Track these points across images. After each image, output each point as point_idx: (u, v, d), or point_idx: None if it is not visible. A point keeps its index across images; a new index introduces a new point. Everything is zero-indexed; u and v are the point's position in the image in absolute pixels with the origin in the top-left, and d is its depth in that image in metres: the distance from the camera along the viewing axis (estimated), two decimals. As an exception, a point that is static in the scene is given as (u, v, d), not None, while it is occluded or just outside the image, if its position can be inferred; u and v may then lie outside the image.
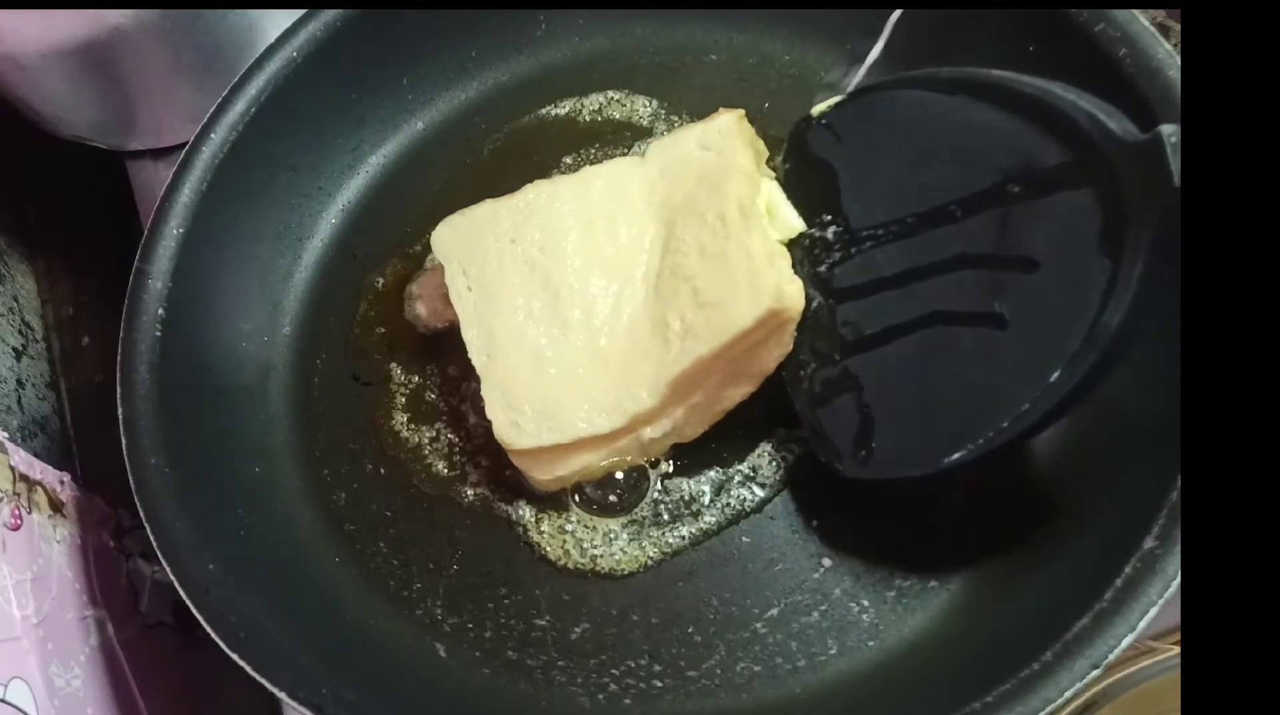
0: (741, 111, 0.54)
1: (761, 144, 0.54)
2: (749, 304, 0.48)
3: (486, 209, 0.54)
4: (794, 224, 0.52)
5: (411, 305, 0.60)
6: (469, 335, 0.52)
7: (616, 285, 0.52)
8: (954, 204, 0.45)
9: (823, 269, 0.50)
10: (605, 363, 0.50)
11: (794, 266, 0.50)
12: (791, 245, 0.52)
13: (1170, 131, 0.36)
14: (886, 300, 0.47)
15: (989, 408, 0.42)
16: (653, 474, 0.54)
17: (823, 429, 0.49)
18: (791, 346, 0.50)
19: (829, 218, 0.51)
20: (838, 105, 0.52)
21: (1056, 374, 0.40)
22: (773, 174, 0.54)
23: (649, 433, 0.51)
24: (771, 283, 0.48)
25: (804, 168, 0.54)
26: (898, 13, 0.54)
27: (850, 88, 0.55)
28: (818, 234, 0.51)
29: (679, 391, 0.50)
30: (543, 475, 0.51)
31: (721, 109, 0.54)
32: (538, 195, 0.54)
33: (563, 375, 0.50)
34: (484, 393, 0.51)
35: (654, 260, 0.52)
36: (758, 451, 0.53)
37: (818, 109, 0.53)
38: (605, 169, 0.55)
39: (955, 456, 0.43)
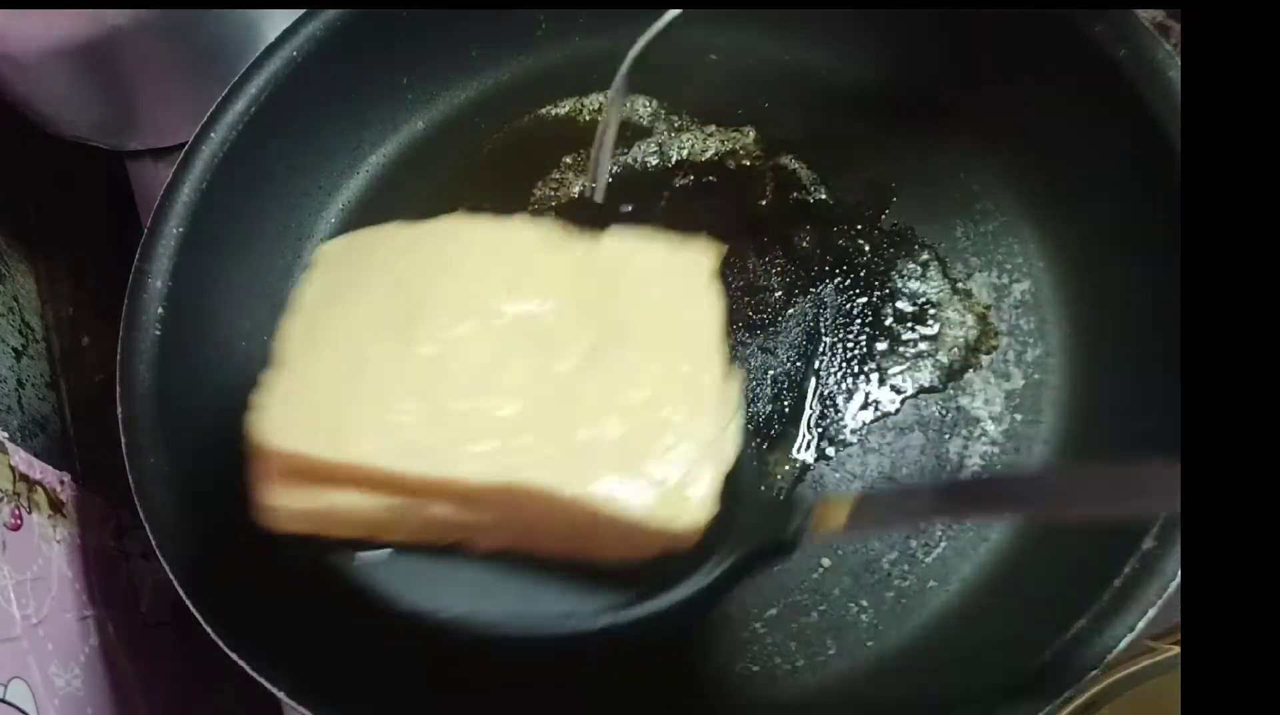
0: (722, 252, 0.47)
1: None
2: (667, 506, 0.40)
3: (390, 228, 0.49)
4: (730, 448, 0.42)
5: None
6: (294, 322, 0.45)
7: (492, 351, 0.44)
8: None
9: None
10: (445, 413, 0.42)
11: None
12: None
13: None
14: None
15: None
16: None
17: None
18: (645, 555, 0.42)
19: None
20: None
21: None
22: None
23: (438, 510, 0.42)
24: (699, 502, 0.40)
25: None
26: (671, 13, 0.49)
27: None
28: None
29: (509, 496, 0.41)
30: (280, 500, 0.43)
31: (705, 237, 0.47)
32: (452, 225, 0.48)
33: (373, 396, 0.43)
34: (271, 379, 0.44)
35: (571, 355, 0.43)
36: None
37: None
38: (531, 228, 0.48)
39: None
